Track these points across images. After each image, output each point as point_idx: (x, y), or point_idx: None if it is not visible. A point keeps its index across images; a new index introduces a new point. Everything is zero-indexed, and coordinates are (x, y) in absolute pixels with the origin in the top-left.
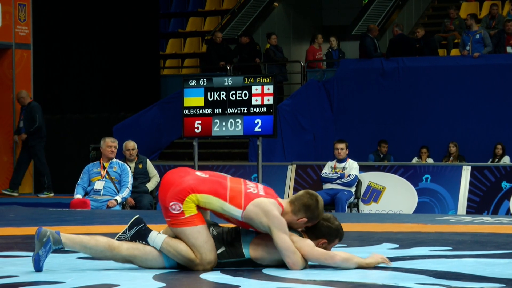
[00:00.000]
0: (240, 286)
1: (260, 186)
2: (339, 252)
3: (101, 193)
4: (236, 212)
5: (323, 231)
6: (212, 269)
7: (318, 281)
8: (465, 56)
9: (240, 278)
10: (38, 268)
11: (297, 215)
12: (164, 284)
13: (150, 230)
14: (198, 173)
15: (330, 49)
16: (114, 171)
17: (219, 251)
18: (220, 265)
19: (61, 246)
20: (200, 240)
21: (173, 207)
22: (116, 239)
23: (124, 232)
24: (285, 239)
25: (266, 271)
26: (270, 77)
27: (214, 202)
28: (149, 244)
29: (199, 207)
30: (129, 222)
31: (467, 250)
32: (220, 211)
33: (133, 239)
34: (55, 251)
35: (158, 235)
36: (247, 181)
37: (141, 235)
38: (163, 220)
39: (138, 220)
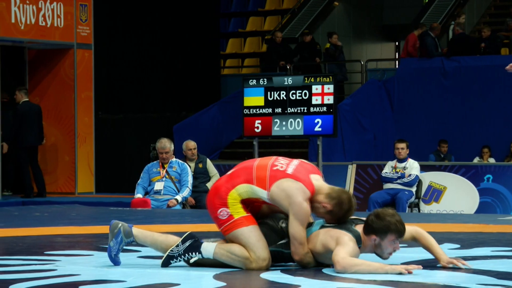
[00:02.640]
0: (300, 286)
1: (295, 162)
2: (365, 262)
3: (162, 193)
4: (263, 194)
5: (370, 227)
6: (268, 267)
7: (378, 281)
8: None
9: (301, 277)
10: (111, 259)
11: (326, 200)
12: (224, 284)
13: (202, 243)
14: (229, 172)
15: (332, 47)
16: (174, 171)
17: (284, 241)
18: (283, 258)
19: (132, 239)
20: (253, 239)
21: (221, 213)
22: (169, 253)
23: (177, 246)
24: (298, 228)
25: (327, 271)
26: (330, 77)
27: (248, 189)
28: (202, 256)
29: (248, 205)
30: (182, 237)
31: None
32: (250, 196)
33: (186, 252)
34: (128, 245)
35: (209, 243)
36: (279, 157)
37: (194, 248)
38: None
39: (191, 235)
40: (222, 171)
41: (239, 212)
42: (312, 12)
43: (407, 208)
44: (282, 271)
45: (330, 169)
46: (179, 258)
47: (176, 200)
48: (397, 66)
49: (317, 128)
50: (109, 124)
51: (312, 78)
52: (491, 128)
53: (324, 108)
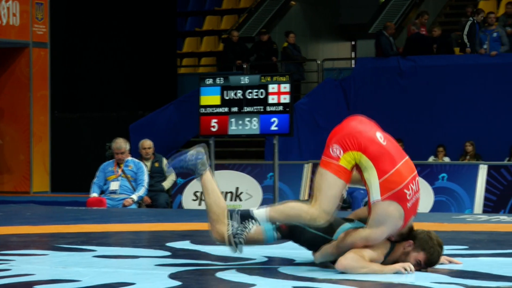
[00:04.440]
0: (256, 285)
1: (419, 191)
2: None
3: (117, 192)
4: (375, 195)
5: (417, 236)
6: (323, 223)
7: (333, 280)
8: (482, 54)
9: (256, 277)
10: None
11: (394, 237)
12: (180, 283)
13: (247, 210)
14: (379, 134)
15: (289, 46)
16: (130, 170)
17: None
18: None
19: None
20: (332, 190)
21: (335, 149)
22: (229, 234)
23: (231, 225)
24: (357, 244)
25: (282, 269)
26: (287, 76)
27: (370, 173)
28: (257, 220)
29: (354, 168)
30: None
31: (484, 249)
32: (366, 181)
33: (243, 224)
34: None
35: (258, 209)
36: (416, 177)
37: (246, 217)
38: (179, 219)
39: (232, 211)
40: None
41: (347, 165)
42: (269, 11)
43: (362, 206)
44: (238, 270)
45: (286, 168)
46: (240, 233)
47: (132, 199)
48: (353, 66)
49: (273, 127)
50: (65, 123)
51: (269, 77)
52: (446, 127)
53: (281, 107)
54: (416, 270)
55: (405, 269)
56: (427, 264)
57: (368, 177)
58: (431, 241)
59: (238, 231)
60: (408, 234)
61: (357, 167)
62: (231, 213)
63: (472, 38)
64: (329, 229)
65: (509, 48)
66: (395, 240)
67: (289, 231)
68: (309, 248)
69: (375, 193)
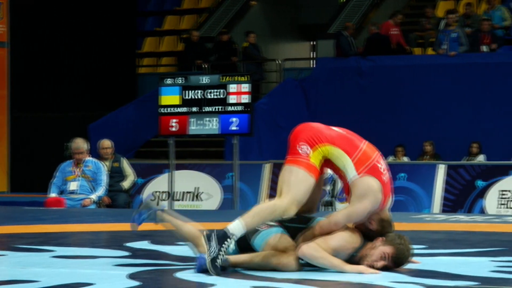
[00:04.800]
0: (215, 285)
1: (388, 175)
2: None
3: (77, 192)
4: (351, 174)
5: (388, 234)
6: (292, 214)
7: (292, 280)
8: (441, 55)
9: (216, 276)
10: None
11: (376, 221)
12: (139, 283)
13: (222, 230)
14: (336, 128)
15: (249, 46)
16: (89, 170)
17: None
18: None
19: (155, 220)
20: (302, 185)
21: (303, 148)
22: (210, 258)
23: (209, 246)
24: (339, 219)
25: (241, 270)
26: (247, 76)
27: (342, 158)
28: (234, 236)
29: (322, 164)
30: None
31: (442, 248)
32: (340, 167)
33: (220, 245)
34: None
35: (232, 223)
36: (382, 156)
37: (222, 236)
38: None
39: (206, 232)
40: (138, 170)
41: (316, 162)
42: (229, 11)
43: (321, 206)
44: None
45: (246, 168)
46: (219, 254)
47: (91, 199)
48: (313, 66)
49: (233, 127)
50: (24, 123)
51: (229, 77)
52: (405, 127)
53: (241, 107)
54: (382, 266)
55: (369, 271)
56: (394, 261)
57: (341, 163)
58: (400, 239)
59: (215, 255)
60: (385, 227)
61: (326, 162)
62: (208, 236)
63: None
64: (306, 219)
65: (468, 48)
66: (376, 230)
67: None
68: None
69: (351, 172)
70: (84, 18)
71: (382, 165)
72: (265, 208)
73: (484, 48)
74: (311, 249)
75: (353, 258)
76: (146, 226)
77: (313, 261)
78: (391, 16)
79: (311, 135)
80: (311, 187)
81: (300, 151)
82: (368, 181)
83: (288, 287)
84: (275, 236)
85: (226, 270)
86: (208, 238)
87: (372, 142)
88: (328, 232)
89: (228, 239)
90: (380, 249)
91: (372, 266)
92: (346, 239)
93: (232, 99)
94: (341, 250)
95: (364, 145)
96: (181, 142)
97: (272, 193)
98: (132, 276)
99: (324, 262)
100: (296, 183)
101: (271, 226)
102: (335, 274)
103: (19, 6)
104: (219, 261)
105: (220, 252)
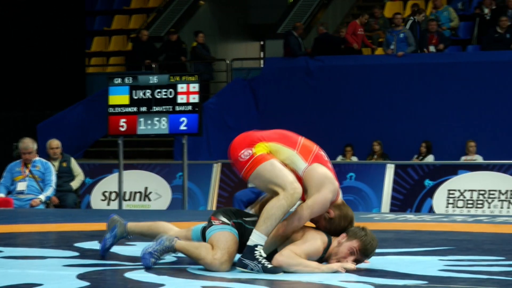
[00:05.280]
0: (164, 285)
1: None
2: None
3: (25, 192)
4: (301, 165)
5: (351, 229)
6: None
7: (243, 279)
8: (389, 55)
9: (165, 276)
10: (101, 251)
11: (333, 208)
12: (88, 283)
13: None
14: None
15: (198, 45)
16: (37, 170)
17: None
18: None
19: (126, 234)
20: (278, 170)
21: (244, 153)
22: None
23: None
24: (304, 213)
25: (191, 269)
26: (196, 76)
27: (284, 151)
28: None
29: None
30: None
31: (391, 247)
32: (287, 161)
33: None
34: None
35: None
36: (320, 149)
37: (251, 252)
38: (87, 219)
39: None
40: (86, 170)
41: (262, 150)
42: (178, 11)
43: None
44: (146, 270)
45: (196, 168)
46: (260, 263)
47: (40, 199)
48: (262, 66)
49: (182, 127)
50: None
51: (178, 77)
52: (354, 127)
53: (190, 107)
54: (352, 261)
55: (345, 268)
56: (362, 253)
57: (285, 157)
58: (363, 231)
59: (260, 266)
60: (338, 230)
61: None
62: (240, 264)
63: (415, 37)
64: None
65: (415, 48)
66: (335, 216)
67: (237, 230)
68: None
69: (300, 163)
70: (32, 18)
71: (324, 154)
72: (277, 208)
73: (432, 48)
74: (286, 258)
75: (324, 259)
76: (95, 226)
77: (290, 269)
78: (357, 16)
79: (245, 142)
80: (278, 163)
81: (244, 157)
82: (320, 169)
83: (238, 287)
84: (220, 233)
85: (170, 253)
86: (241, 264)
87: (321, 142)
88: (294, 230)
89: (256, 250)
90: (346, 245)
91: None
92: (317, 242)
93: (181, 99)
94: (314, 254)
95: (302, 139)
96: (130, 142)
97: (222, 193)
98: (81, 277)
99: (300, 268)
100: (276, 174)
101: (225, 223)
102: (285, 274)
103: None
104: (266, 265)
105: (260, 260)
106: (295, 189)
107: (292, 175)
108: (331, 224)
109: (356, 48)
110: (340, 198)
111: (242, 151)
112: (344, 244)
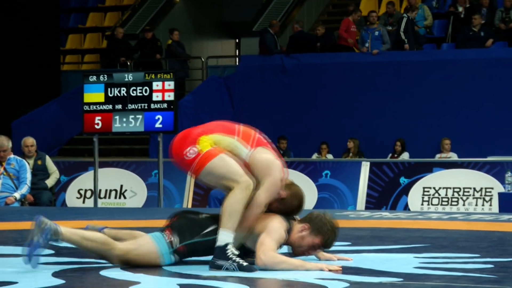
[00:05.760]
0: (140, 283)
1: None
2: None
3: None
4: (244, 150)
5: (312, 218)
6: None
7: (219, 277)
8: (364, 53)
9: (140, 274)
10: (28, 257)
11: (283, 188)
12: (63, 281)
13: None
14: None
15: (173, 43)
16: (12, 168)
17: (209, 229)
18: (209, 247)
19: (58, 237)
20: (228, 166)
21: (190, 151)
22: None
23: None
24: (264, 197)
25: (167, 267)
26: (171, 73)
27: (226, 139)
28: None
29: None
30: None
31: (366, 245)
32: (230, 149)
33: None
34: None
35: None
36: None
37: (223, 252)
38: (63, 217)
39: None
40: (61, 168)
41: (208, 145)
42: (153, 9)
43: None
44: (122, 268)
45: (171, 166)
46: (234, 261)
47: (15, 197)
48: (237, 63)
49: (157, 125)
50: None
51: (153, 75)
52: (329, 125)
53: (165, 105)
54: (311, 253)
55: (330, 269)
56: (324, 246)
57: (227, 145)
58: (325, 226)
59: (234, 265)
60: (291, 210)
61: None
62: (213, 265)
63: (409, 34)
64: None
65: (390, 46)
66: (287, 196)
67: (191, 250)
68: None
69: (242, 149)
70: (6, 15)
71: (265, 137)
72: (231, 204)
73: (406, 46)
74: (271, 258)
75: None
76: (70, 224)
77: (275, 268)
78: (350, 13)
79: (187, 140)
80: (228, 157)
81: (190, 157)
82: (264, 152)
83: (214, 284)
84: (144, 241)
85: (55, 241)
86: (215, 266)
87: (297, 139)
88: (256, 218)
89: (227, 249)
90: (308, 240)
91: (303, 254)
92: (281, 230)
93: (157, 96)
94: (282, 240)
95: (240, 126)
96: (105, 139)
97: (197, 191)
98: (56, 275)
99: (285, 266)
100: (228, 168)
101: (171, 243)
102: (261, 272)
103: None
104: (241, 263)
105: (233, 259)
106: (247, 181)
107: (241, 168)
108: (284, 204)
109: (351, 43)
110: (287, 178)
111: (187, 150)
112: (306, 238)
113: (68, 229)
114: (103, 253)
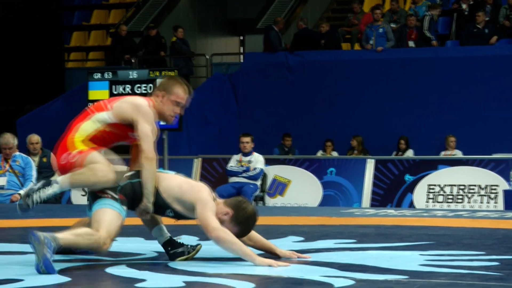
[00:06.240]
0: (146, 280)
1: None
2: (231, 236)
3: (5, 187)
4: (105, 115)
5: (234, 204)
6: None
7: (224, 274)
8: (369, 50)
9: (146, 272)
10: (49, 269)
11: None
12: (69, 279)
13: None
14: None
15: (178, 40)
16: (18, 165)
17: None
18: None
19: (58, 243)
20: (95, 158)
21: (64, 157)
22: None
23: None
24: (148, 128)
25: (172, 264)
26: (175, 71)
27: (88, 122)
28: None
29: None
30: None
31: (371, 242)
32: (97, 127)
33: (42, 186)
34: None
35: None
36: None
37: (47, 183)
38: (68, 214)
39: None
40: None
41: (79, 147)
42: (157, 6)
43: (252, 201)
44: (128, 265)
45: (176, 163)
46: (35, 193)
47: (20, 194)
48: (241, 61)
49: (162, 122)
50: None
51: (157, 72)
52: (333, 122)
53: None
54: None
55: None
56: (239, 235)
57: (88, 126)
58: (247, 221)
59: (36, 192)
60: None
61: (92, 139)
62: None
63: (433, 32)
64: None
65: (394, 43)
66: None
67: (125, 195)
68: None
69: (103, 116)
70: (11, 12)
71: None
72: (86, 171)
73: (411, 44)
74: (221, 233)
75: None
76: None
77: (227, 248)
78: (372, 9)
79: (60, 151)
80: (97, 153)
81: (67, 160)
82: (124, 101)
83: (219, 281)
84: (101, 212)
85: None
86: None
87: (301, 136)
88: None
89: (50, 186)
90: (226, 225)
91: None
92: (209, 196)
93: None
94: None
95: (90, 106)
96: None
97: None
98: (62, 272)
99: (236, 248)
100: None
101: (112, 198)
102: (263, 267)
103: None
104: (29, 198)
105: (38, 191)
106: (107, 174)
107: (102, 159)
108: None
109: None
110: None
111: (61, 158)
112: (226, 224)
113: (58, 233)
114: (92, 244)
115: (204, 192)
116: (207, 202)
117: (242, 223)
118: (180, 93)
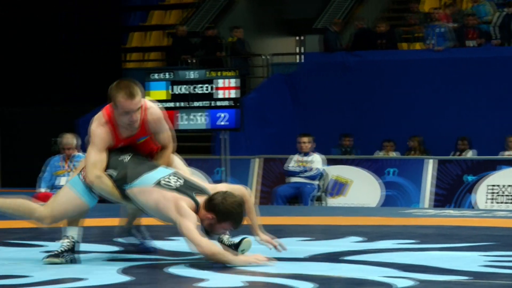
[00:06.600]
0: (207, 280)
1: None
2: (211, 245)
3: None
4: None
5: (214, 206)
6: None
7: (285, 274)
8: (428, 50)
9: (207, 271)
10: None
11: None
12: (131, 278)
13: None
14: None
15: (237, 41)
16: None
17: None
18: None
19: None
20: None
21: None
22: None
23: None
24: (90, 152)
25: (232, 265)
26: (237, 71)
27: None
28: None
29: None
30: None
31: (432, 243)
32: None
33: None
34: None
35: None
36: None
37: None
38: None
39: None
40: None
41: None
42: (215, 6)
43: (310, 201)
44: (189, 265)
45: (235, 163)
46: None
47: None
48: (299, 61)
49: (222, 122)
50: (14, 118)
51: (218, 72)
52: (393, 122)
53: (229, 102)
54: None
55: (259, 260)
56: (234, 228)
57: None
58: (230, 212)
59: None
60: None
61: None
62: None
63: (504, 29)
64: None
65: (454, 43)
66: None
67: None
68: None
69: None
70: (70, 13)
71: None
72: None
73: (470, 43)
74: (207, 246)
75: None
76: (136, 221)
77: (210, 257)
78: (446, 8)
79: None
80: None
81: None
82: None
83: (280, 282)
84: (63, 193)
85: None
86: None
87: (360, 137)
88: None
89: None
90: (217, 227)
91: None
92: (188, 207)
93: (220, 94)
94: (196, 222)
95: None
96: None
97: (262, 188)
98: (124, 271)
99: (220, 257)
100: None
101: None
102: (325, 267)
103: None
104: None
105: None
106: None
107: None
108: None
109: None
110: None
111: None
112: (216, 226)
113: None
114: (27, 217)
115: (181, 208)
116: (186, 217)
117: (230, 219)
118: (121, 102)
